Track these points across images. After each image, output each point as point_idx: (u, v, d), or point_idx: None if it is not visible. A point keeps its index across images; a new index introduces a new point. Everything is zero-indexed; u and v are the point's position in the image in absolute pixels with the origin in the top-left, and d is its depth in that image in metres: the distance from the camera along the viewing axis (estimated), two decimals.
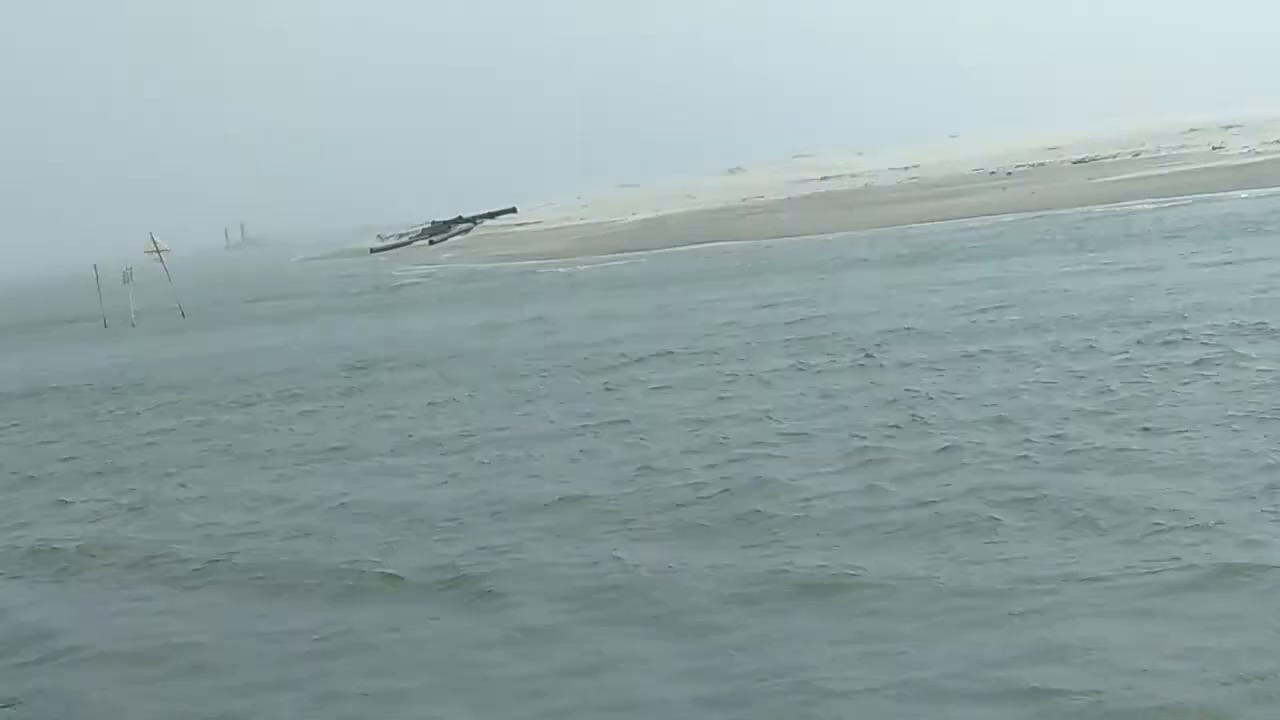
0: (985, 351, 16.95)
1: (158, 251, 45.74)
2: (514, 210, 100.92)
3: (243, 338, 34.48)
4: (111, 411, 21.89)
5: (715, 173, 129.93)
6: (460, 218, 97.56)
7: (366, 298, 45.98)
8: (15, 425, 21.65)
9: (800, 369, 17.48)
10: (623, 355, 20.98)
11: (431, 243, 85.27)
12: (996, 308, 21.10)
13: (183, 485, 14.67)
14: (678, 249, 49.96)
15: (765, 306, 25.60)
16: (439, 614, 9.09)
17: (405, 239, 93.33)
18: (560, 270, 46.40)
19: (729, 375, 17.77)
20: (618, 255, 50.56)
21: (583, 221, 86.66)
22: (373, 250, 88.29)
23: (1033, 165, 74.92)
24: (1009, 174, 70.03)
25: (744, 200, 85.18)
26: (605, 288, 36.34)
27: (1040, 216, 41.16)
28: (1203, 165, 54.43)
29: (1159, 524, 9.11)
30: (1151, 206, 39.53)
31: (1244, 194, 39.01)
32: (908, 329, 19.88)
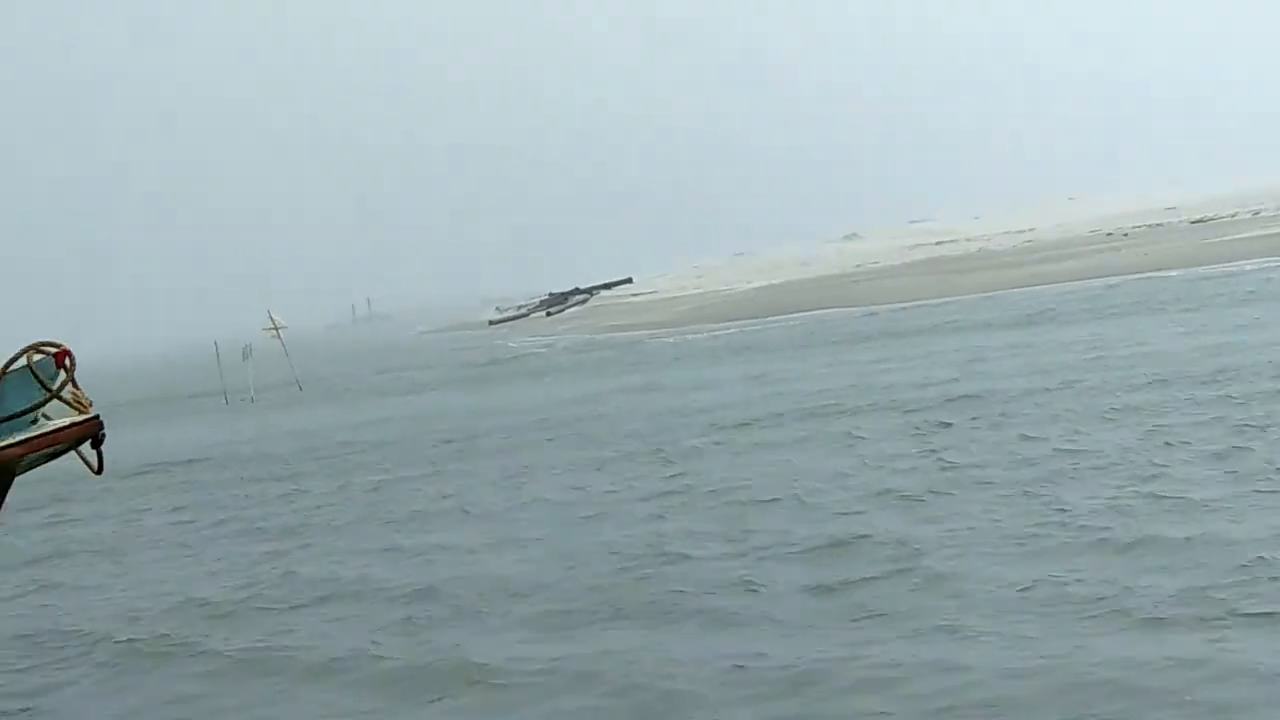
0: (1069, 412, 17.32)
1: (275, 329, 47.47)
2: (630, 280, 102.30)
3: (360, 410, 35.66)
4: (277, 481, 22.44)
5: (832, 239, 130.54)
6: (577, 289, 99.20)
7: (480, 369, 47.08)
8: (156, 492, 22.76)
9: (917, 433, 17.86)
10: (712, 422, 21.61)
11: (549, 314, 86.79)
12: (1086, 367, 21.47)
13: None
14: (787, 316, 50.56)
15: (875, 363, 26.04)
16: None
17: (524, 311, 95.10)
18: (668, 340, 47.22)
19: (835, 436, 18.32)
20: (727, 324, 51.31)
21: (697, 290, 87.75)
22: (491, 323, 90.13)
23: (1150, 226, 74.27)
24: (1125, 235, 69.44)
25: (858, 266, 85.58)
26: (709, 356, 37.07)
27: (1148, 278, 41.03)
28: None
29: None
30: (1254, 267, 39.20)
31: None
32: (987, 391, 20.33)
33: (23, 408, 10.53)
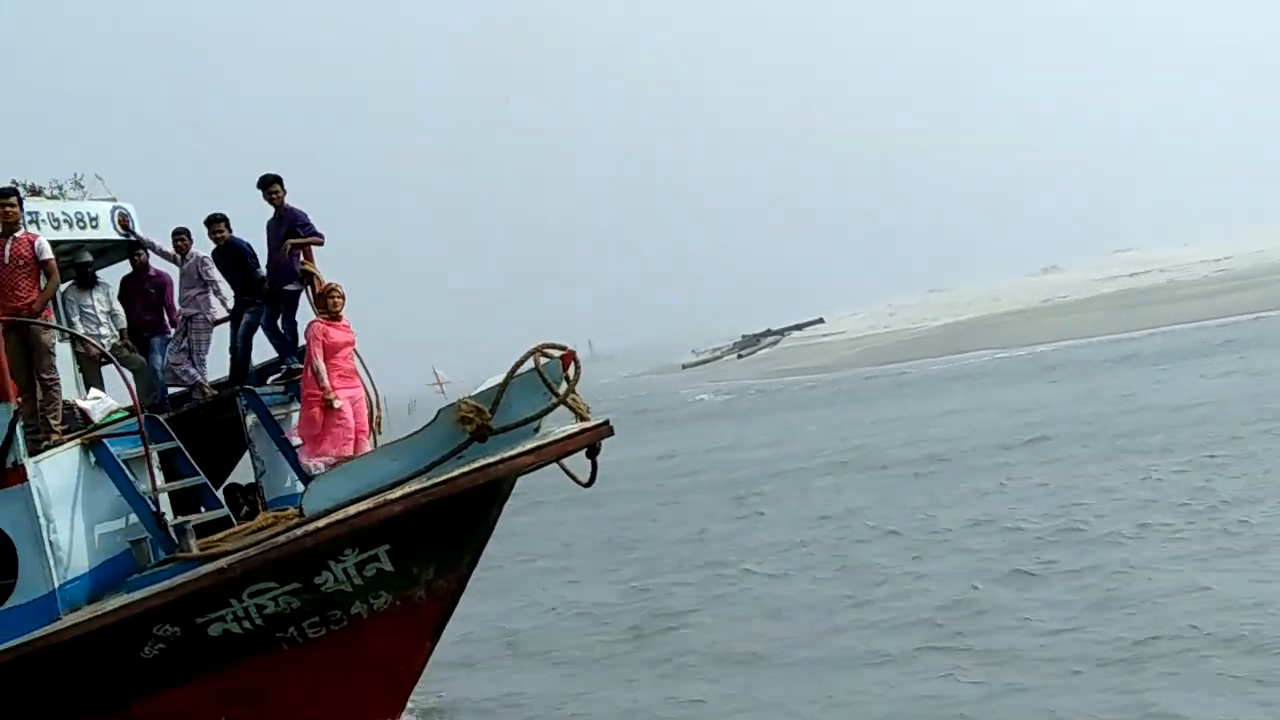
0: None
1: (439, 384, 52.93)
2: (821, 321, 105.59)
3: None
4: None
5: (1033, 271, 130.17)
6: (769, 330, 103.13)
7: (640, 416, 50.14)
8: None
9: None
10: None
11: (740, 356, 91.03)
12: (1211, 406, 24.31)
13: None
14: (949, 357, 53.09)
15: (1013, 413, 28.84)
16: None
17: (718, 353, 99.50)
18: (807, 384, 50.64)
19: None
20: (883, 365, 54.07)
21: (885, 329, 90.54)
22: (684, 366, 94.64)
23: None
24: None
25: (1045, 301, 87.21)
26: (829, 402, 40.50)
27: None
28: None
29: None
30: None
31: None
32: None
33: (529, 414, 10.20)
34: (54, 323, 11.75)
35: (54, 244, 12.21)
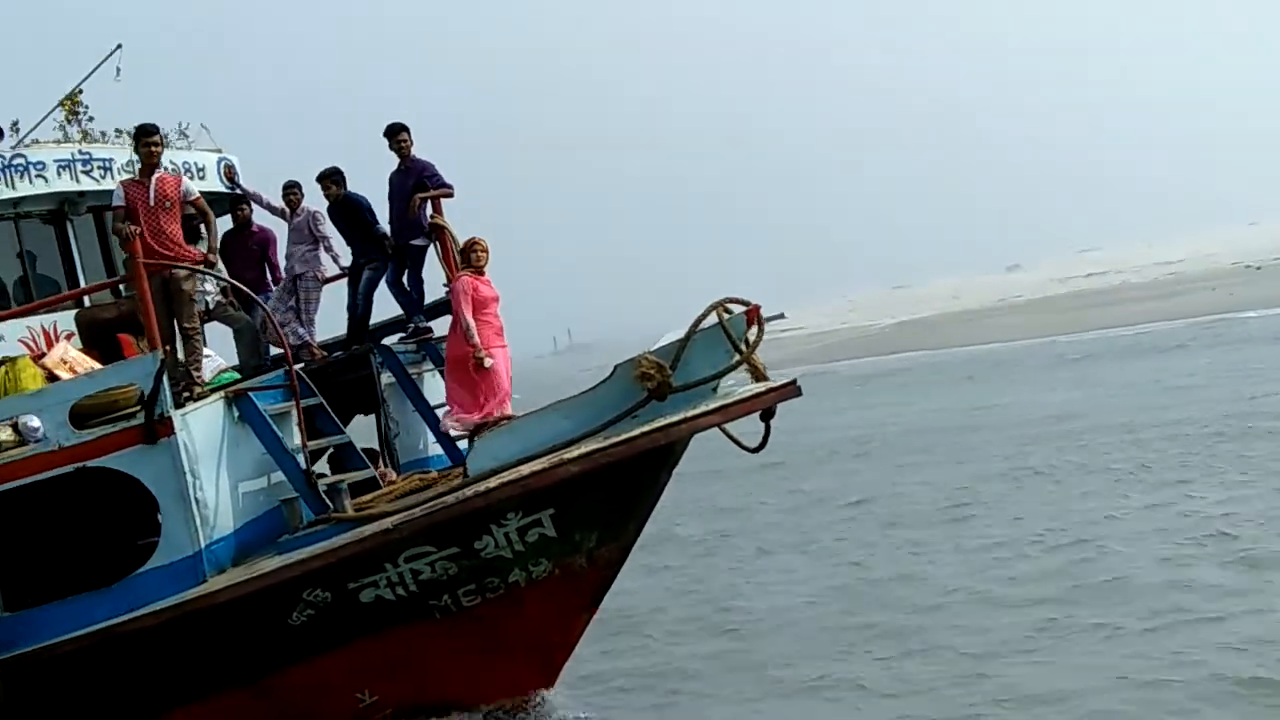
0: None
1: None
2: (783, 316, 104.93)
3: None
4: None
5: (996, 270, 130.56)
6: None
7: None
8: None
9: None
10: None
11: None
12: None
13: None
14: (880, 358, 53.40)
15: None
16: None
17: None
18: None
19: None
20: (829, 364, 54.38)
21: (843, 325, 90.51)
22: None
23: None
24: (1259, 269, 70.15)
25: (1000, 301, 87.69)
26: None
27: (1217, 320, 43.09)
28: None
29: None
30: None
31: None
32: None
33: (710, 372, 9.67)
34: (203, 268, 10.98)
35: None
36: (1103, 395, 27.47)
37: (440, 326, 12.20)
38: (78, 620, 10.13)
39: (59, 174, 12.16)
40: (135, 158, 11.87)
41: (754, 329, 9.84)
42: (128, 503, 10.36)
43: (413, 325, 12.45)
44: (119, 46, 12.45)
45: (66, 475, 10.16)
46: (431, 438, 12.22)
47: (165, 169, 11.15)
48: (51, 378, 11.08)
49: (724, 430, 10.03)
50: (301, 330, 12.89)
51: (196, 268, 10.76)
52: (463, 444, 11.72)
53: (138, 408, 10.03)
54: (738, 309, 9.80)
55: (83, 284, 12.56)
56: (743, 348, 9.73)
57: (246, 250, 13.32)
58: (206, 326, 12.96)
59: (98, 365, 11.23)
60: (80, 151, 12.36)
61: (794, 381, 9.89)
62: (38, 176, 11.97)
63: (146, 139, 10.74)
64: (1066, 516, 15.85)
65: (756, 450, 10.38)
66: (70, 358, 11.38)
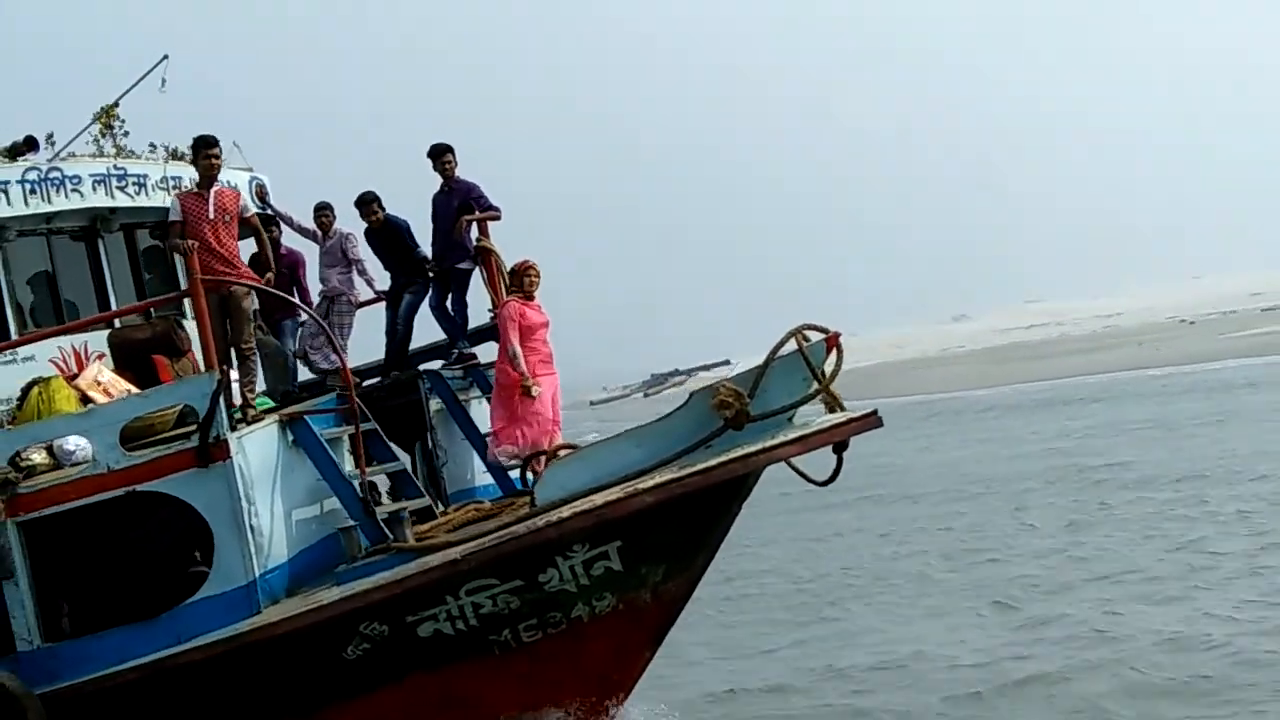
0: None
1: None
2: (728, 362, 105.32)
3: None
4: None
5: (942, 319, 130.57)
6: (676, 370, 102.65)
7: None
8: None
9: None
10: None
11: (645, 395, 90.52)
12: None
13: None
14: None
15: None
16: None
17: (627, 390, 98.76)
18: None
19: None
20: None
21: None
22: (592, 403, 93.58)
23: (1224, 313, 75.57)
24: (1193, 323, 71.25)
25: (943, 351, 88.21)
26: None
27: (1131, 376, 43.74)
28: None
29: None
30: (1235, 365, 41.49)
31: None
32: None
33: (788, 401, 9.38)
34: (264, 286, 10.56)
35: None
36: (996, 450, 27.71)
37: (484, 353, 11.88)
38: (123, 652, 9.68)
39: (94, 189, 11.77)
40: (170, 174, 11.47)
41: (833, 356, 9.55)
42: (178, 529, 9.95)
43: (456, 351, 12.10)
44: (165, 57, 12.07)
45: (116, 499, 9.75)
46: (480, 467, 11.84)
47: (222, 184, 10.74)
48: (85, 399, 10.64)
49: (789, 463, 9.66)
50: (333, 355, 12.47)
51: (257, 283, 10.35)
52: (514, 473, 11.39)
53: (193, 428, 9.63)
54: (816, 336, 9.50)
55: (114, 302, 12.17)
56: (822, 376, 9.45)
57: (275, 273, 12.87)
58: None
59: (133, 388, 10.80)
60: (115, 166, 11.97)
61: (874, 412, 9.59)
62: (73, 191, 11.58)
63: (207, 150, 10.37)
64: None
65: (826, 484, 10.04)
66: (105, 380, 10.93)
